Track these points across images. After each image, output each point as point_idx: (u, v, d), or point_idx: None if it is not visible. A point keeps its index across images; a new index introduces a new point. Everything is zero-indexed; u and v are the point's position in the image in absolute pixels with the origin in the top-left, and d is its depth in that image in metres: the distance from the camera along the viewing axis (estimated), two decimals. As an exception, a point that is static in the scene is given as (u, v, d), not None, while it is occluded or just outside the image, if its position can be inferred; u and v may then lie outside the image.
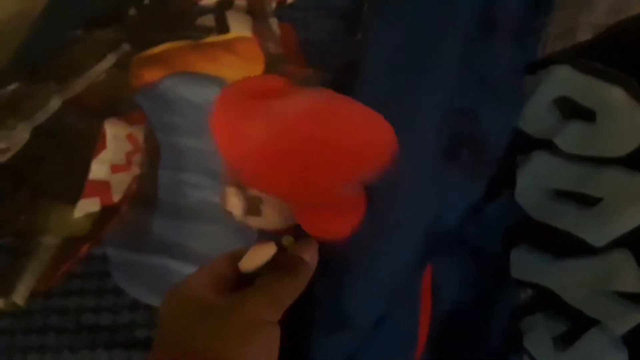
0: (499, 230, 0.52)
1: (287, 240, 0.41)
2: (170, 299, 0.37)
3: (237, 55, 0.61)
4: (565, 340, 0.47)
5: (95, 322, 0.54)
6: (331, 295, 0.42)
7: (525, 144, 0.54)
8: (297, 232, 0.42)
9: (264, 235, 0.43)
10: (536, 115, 0.54)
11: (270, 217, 0.42)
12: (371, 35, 0.49)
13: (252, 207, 0.42)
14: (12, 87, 0.61)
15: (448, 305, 0.49)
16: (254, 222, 0.43)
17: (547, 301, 0.49)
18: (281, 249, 0.40)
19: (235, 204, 0.43)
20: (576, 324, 0.47)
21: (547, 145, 0.52)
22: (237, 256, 0.39)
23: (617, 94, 0.50)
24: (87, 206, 0.56)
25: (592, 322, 0.47)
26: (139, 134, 0.60)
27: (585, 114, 0.52)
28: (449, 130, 0.47)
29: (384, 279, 0.43)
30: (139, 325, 0.54)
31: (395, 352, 0.46)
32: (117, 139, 0.58)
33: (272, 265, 0.39)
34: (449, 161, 0.46)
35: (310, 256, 0.40)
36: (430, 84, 0.47)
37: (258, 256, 0.39)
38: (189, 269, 0.52)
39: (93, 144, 0.58)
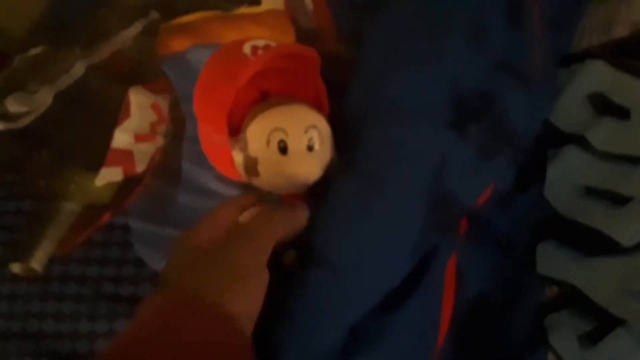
0: (527, 223, 0.52)
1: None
2: (174, 247, 0.42)
3: (266, 29, 0.60)
4: (590, 339, 0.48)
5: (116, 292, 0.54)
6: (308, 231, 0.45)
7: (556, 138, 0.54)
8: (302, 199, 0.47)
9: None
10: (568, 110, 0.54)
11: (268, 178, 0.47)
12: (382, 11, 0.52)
13: (251, 167, 0.47)
14: (36, 50, 0.60)
15: (472, 295, 0.50)
16: (257, 182, 0.48)
17: (573, 299, 0.49)
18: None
19: (239, 164, 0.48)
20: (602, 323, 0.48)
21: (578, 140, 0.52)
22: (240, 205, 0.44)
23: (653, 93, 0.50)
24: (109, 175, 0.56)
25: (619, 322, 0.46)
26: (164, 103, 0.59)
27: (619, 111, 0.52)
28: (457, 105, 0.48)
29: (369, 229, 0.44)
30: None
31: (416, 336, 0.46)
32: (141, 108, 0.58)
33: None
34: (454, 132, 0.47)
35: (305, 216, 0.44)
36: (431, 60, 0.48)
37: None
38: None
39: (117, 111, 0.58)
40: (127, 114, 0.58)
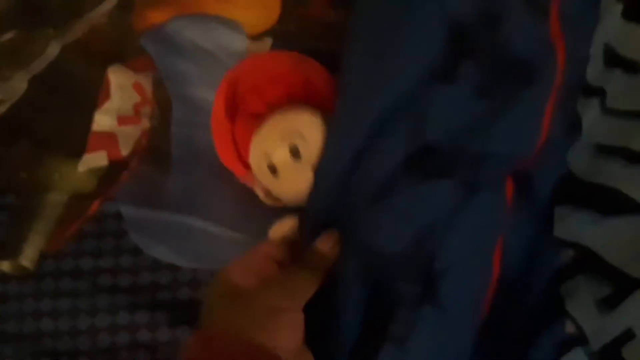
0: (550, 183, 0.49)
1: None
2: (214, 282, 0.44)
3: (252, -7, 0.57)
4: (609, 303, 0.46)
5: (114, 283, 0.53)
6: None
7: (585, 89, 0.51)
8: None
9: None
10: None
11: (285, 200, 0.49)
12: None
13: (271, 196, 0.49)
14: (8, 35, 0.58)
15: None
16: (273, 203, 0.50)
17: (589, 263, 0.47)
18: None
19: (259, 193, 0.50)
20: (620, 286, 0.46)
21: (599, 93, 0.49)
22: (273, 252, 0.46)
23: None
24: (93, 160, 0.55)
25: (637, 284, 0.45)
26: (147, 83, 0.57)
27: (628, 65, 0.49)
28: (455, 39, 0.46)
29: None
30: (162, 287, 0.53)
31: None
32: (122, 89, 0.56)
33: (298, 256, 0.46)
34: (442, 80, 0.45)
35: (331, 246, 0.45)
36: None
37: (282, 227, 0.47)
38: (210, 227, 0.52)
39: (96, 93, 0.56)
40: (107, 96, 0.56)
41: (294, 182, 0.47)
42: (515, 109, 0.45)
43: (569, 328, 0.47)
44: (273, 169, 0.47)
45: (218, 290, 0.43)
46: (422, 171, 0.44)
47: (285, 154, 0.46)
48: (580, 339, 0.47)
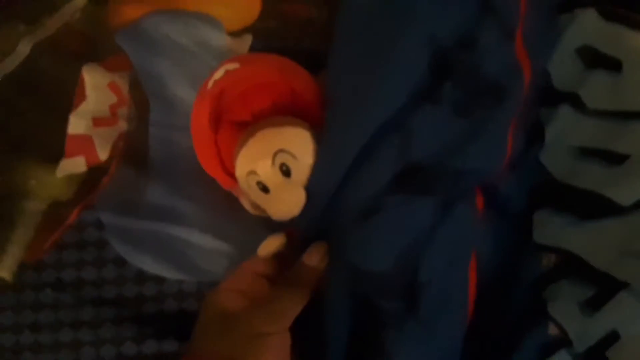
0: (525, 188, 0.51)
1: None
2: (204, 305, 0.44)
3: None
4: (592, 305, 0.47)
5: (98, 295, 0.51)
6: None
7: (553, 96, 0.51)
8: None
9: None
10: (559, 66, 0.52)
11: (275, 218, 0.48)
12: None
13: (258, 209, 0.49)
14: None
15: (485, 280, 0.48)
16: (260, 214, 0.50)
17: (571, 267, 0.49)
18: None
19: (246, 205, 0.50)
20: (604, 288, 0.47)
21: (571, 98, 0.50)
22: (260, 266, 0.46)
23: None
24: (72, 166, 0.54)
25: (621, 285, 0.46)
26: (123, 82, 0.56)
27: (610, 64, 0.49)
28: (436, 61, 0.46)
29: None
30: (148, 299, 0.51)
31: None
32: (97, 89, 0.54)
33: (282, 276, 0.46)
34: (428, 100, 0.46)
35: (319, 260, 0.45)
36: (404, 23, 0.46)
37: (270, 245, 0.47)
38: (192, 235, 0.51)
39: (71, 94, 0.54)
40: (82, 96, 0.54)
41: (287, 201, 0.46)
42: (488, 127, 0.46)
43: (552, 330, 0.48)
44: (264, 187, 0.46)
45: (207, 313, 0.44)
46: (406, 189, 0.45)
47: (276, 173, 0.45)
48: (564, 341, 0.48)
